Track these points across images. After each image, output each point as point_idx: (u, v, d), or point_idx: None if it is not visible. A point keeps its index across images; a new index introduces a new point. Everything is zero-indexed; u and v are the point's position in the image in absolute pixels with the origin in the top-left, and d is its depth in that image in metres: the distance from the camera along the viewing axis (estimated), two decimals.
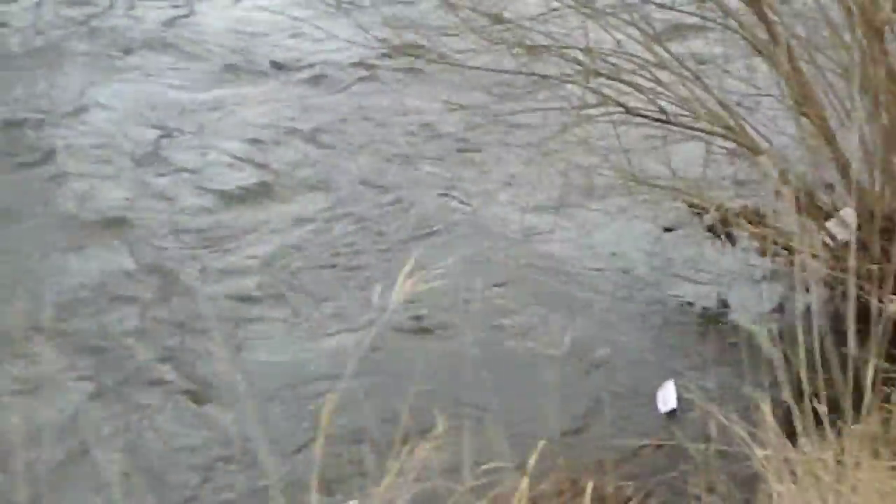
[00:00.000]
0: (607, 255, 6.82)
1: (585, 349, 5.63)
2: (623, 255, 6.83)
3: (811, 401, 3.23)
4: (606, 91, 5.03)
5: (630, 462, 4.55)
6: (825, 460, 3.10)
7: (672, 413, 5.33)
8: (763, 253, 6.35)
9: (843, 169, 5.56)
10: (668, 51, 5.42)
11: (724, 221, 6.45)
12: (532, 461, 3.11)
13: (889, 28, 4.49)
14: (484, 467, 3.18)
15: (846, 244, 5.95)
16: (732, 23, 5.35)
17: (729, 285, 6.42)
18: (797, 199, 5.99)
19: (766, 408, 3.13)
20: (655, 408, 5.29)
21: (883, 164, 5.51)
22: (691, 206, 6.75)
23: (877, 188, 5.70)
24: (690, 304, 6.37)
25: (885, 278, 5.68)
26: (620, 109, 5.04)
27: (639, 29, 5.33)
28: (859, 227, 5.78)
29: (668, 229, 7.01)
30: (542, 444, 3.22)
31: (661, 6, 5.29)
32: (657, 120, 5.11)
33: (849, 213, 5.85)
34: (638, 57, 5.48)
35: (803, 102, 5.33)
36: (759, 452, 3.05)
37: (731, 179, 6.39)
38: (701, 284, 6.50)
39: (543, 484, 3.76)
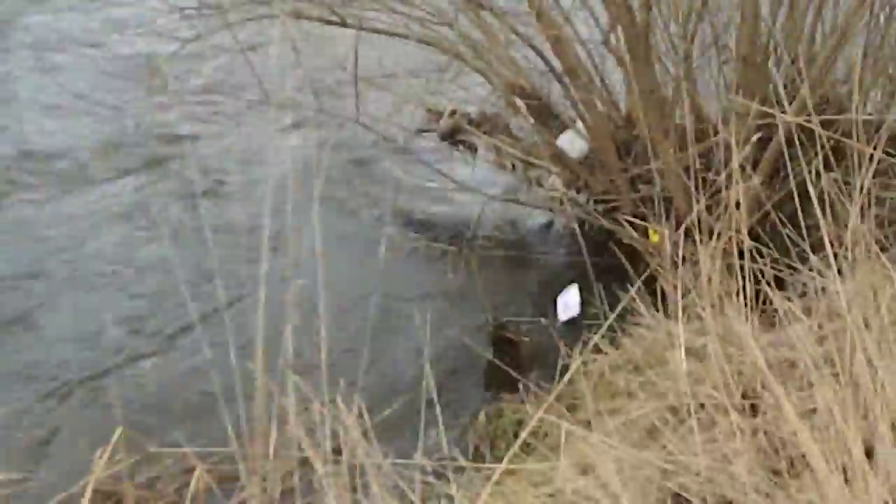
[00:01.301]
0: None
1: None
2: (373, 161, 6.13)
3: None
4: None
5: None
6: None
7: (572, 321, 4.79)
8: (500, 165, 5.80)
9: (571, 75, 4.96)
10: None
11: (458, 129, 5.86)
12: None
13: None
14: None
15: (584, 160, 5.46)
16: None
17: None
18: (531, 107, 5.44)
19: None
20: None
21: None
22: (429, 110, 6.14)
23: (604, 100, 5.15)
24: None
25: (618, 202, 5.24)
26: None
27: None
28: (593, 143, 5.26)
29: (422, 131, 6.32)
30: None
31: None
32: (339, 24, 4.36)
33: (581, 128, 5.31)
34: None
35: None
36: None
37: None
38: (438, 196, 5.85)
39: None
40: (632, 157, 5.20)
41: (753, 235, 4.41)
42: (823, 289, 3.35)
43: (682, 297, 3.78)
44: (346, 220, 5.37)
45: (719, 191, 5.17)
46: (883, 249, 3.16)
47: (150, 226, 5.31)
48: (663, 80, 5.06)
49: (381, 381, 4.03)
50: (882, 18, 4.82)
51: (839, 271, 2.95)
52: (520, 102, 5.25)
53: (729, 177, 4.84)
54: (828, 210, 2.96)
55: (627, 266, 4.20)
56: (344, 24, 4.31)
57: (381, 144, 5.61)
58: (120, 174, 5.82)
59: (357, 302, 4.38)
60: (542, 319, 4.76)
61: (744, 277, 3.62)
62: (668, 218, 4.99)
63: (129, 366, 4.36)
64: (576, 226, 5.60)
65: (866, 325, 2.64)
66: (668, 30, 4.94)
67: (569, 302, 4.92)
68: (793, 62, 5.24)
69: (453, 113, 5.87)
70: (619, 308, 3.02)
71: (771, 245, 4.19)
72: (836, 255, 2.79)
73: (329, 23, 4.30)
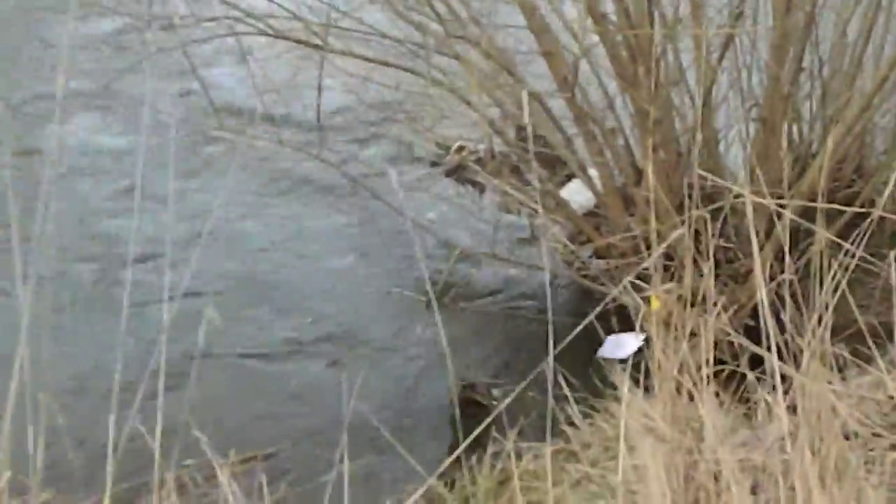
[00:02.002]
0: None
1: None
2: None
3: None
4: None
5: None
6: None
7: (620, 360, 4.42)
8: (504, 208, 5.50)
9: (578, 122, 4.67)
10: None
11: (464, 167, 5.58)
12: None
13: None
14: None
15: (589, 213, 5.16)
16: None
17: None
18: (536, 151, 5.14)
19: None
20: None
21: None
22: (438, 144, 5.87)
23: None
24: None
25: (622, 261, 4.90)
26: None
27: None
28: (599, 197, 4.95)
29: (435, 164, 6.05)
30: None
31: None
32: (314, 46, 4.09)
33: (594, 175, 5.00)
34: None
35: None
36: None
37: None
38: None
39: None
40: (639, 216, 4.88)
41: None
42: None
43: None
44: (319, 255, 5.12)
45: (731, 261, 4.87)
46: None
47: None
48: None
49: (300, 448, 3.75)
50: None
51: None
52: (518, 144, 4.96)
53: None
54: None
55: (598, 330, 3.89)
56: (325, 49, 4.07)
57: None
58: None
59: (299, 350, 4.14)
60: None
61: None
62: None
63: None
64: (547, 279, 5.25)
65: (813, 452, 2.32)
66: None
67: (623, 341, 4.55)
68: (825, 125, 4.92)
69: (460, 149, 5.61)
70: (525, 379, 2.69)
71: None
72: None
73: (309, 45, 4.06)
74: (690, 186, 4.17)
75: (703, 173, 2.99)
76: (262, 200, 5.42)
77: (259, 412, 3.94)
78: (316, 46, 3.98)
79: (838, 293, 2.64)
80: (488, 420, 2.53)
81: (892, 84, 4.28)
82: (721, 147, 5.01)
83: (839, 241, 2.66)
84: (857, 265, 3.21)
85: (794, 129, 5.00)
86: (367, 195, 5.24)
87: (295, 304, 4.61)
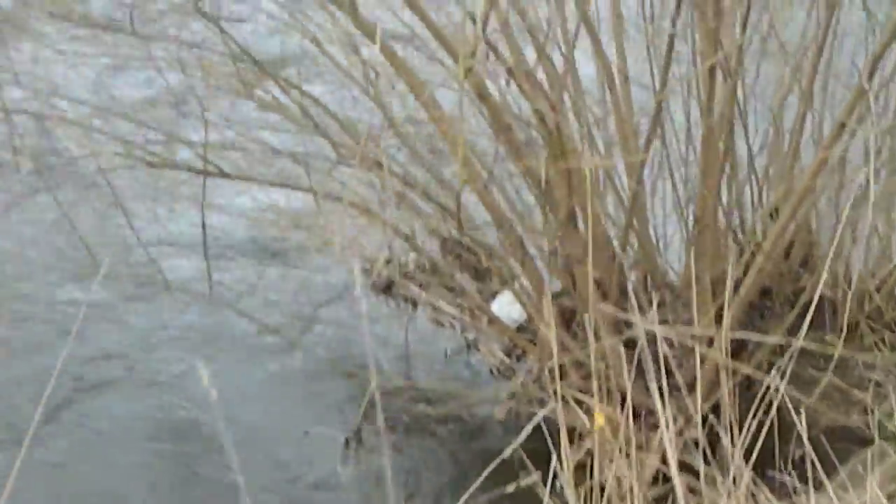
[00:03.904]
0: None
1: None
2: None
3: None
4: None
5: None
6: None
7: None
8: (437, 322, 5.28)
9: (498, 225, 4.46)
10: None
11: (392, 282, 5.36)
12: None
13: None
14: None
15: (520, 327, 4.96)
16: None
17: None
18: (464, 261, 4.99)
19: None
20: None
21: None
22: (364, 258, 5.65)
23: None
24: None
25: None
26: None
27: None
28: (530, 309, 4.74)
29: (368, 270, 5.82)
30: None
31: None
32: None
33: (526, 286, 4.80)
34: None
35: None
36: None
37: None
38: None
39: None
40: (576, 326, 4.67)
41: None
42: None
43: None
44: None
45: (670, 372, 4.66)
46: None
47: None
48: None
49: None
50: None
51: None
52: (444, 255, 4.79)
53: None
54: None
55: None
56: (207, 173, 3.84)
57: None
58: None
59: None
60: None
61: None
62: (610, 399, 4.45)
63: None
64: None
65: None
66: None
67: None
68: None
69: (388, 262, 5.39)
70: None
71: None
72: None
73: (192, 170, 3.85)
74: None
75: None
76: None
77: None
78: (198, 171, 3.77)
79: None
80: None
81: (828, 172, 4.16)
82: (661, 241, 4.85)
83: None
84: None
85: (736, 218, 4.86)
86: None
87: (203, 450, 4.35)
